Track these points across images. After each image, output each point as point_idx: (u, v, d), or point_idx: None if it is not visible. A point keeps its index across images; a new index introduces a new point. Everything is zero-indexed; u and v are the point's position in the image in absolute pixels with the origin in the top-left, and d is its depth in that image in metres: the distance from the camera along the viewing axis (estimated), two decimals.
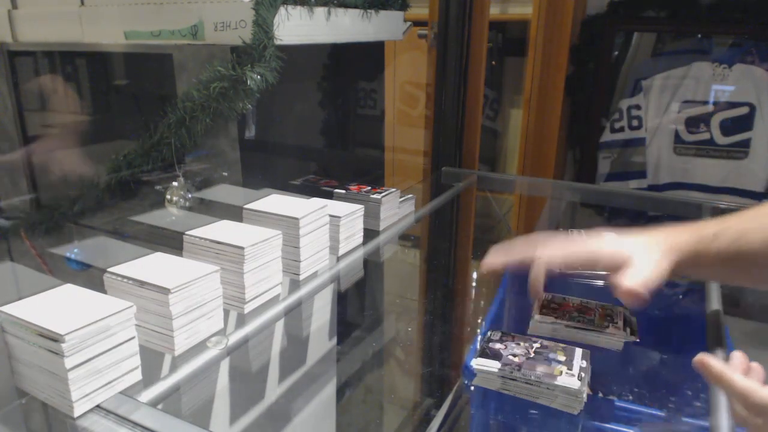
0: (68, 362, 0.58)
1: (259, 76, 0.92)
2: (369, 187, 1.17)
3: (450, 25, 1.54)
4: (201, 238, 0.82)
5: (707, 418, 0.66)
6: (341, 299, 1.25)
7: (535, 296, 0.69)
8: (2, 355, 0.63)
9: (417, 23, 1.52)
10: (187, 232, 0.84)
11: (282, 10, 0.96)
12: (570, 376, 0.85)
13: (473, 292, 1.78)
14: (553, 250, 0.73)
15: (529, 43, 1.90)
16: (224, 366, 0.87)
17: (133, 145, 1.05)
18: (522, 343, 0.94)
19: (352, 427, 1.40)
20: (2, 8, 1.20)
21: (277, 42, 0.95)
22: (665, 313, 1.19)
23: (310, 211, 0.92)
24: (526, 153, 1.98)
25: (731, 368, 0.60)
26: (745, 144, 1.81)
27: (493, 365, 0.88)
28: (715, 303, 0.88)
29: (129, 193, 1.09)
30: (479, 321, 1.53)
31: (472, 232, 1.73)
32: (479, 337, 0.98)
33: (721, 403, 0.65)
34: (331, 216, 0.99)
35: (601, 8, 1.89)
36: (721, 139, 1.84)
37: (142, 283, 0.70)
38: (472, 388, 0.91)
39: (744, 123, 1.80)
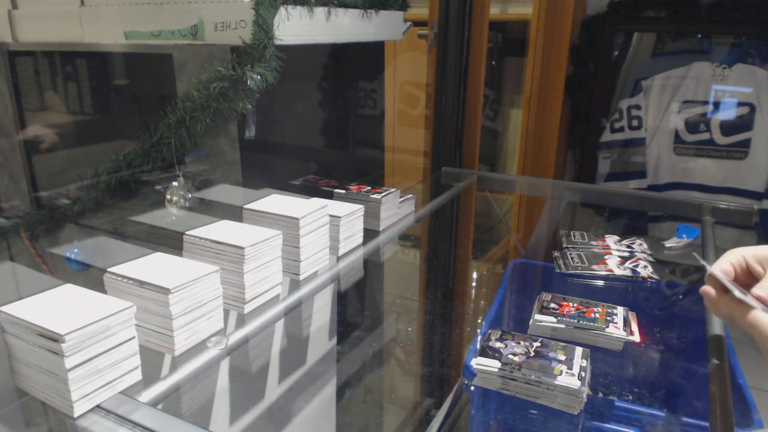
0: (68, 362, 0.58)
1: (259, 76, 0.92)
2: (369, 187, 1.17)
3: (450, 25, 1.54)
4: (201, 238, 0.82)
5: (707, 418, 0.66)
6: (341, 299, 1.25)
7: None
8: (2, 355, 0.63)
9: (417, 23, 1.51)
10: (187, 232, 0.84)
11: (282, 10, 0.96)
12: (570, 375, 0.85)
13: (473, 292, 1.78)
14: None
15: (529, 43, 1.90)
16: (224, 366, 0.87)
17: (133, 145, 1.05)
18: (522, 342, 0.94)
19: (352, 427, 1.40)
20: (2, 8, 1.20)
21: (277, 42, 0.95)
22: (665, 313, 1.19)
23: (310, 211, 0.92)
24: (526, 153, 1.98)
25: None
26: (745, 144, 1.81)
27: (493, 365, 0.88)
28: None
29: (129, 193, 1.09)
30: (479, 321, 1.53)
31: (472, 232, 1.73)
32: (479, 337, 0.98)
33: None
34: (331, 216, 0.98)
35: (601, 8, 1.89)
36: (721, 139, 1.84)
37: (142, 283, 0.70)
38: (472, 388, 0.91)
39: (744, 123, 1.80)
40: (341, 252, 1.02)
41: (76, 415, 0.60)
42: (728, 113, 1.82)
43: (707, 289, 0.65)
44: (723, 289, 0.63)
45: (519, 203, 2.03)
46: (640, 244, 1.34)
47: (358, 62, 1.44)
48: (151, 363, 0.69)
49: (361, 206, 1.06)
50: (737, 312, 0.60)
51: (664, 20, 1.82)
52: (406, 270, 1.73)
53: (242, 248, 0.79)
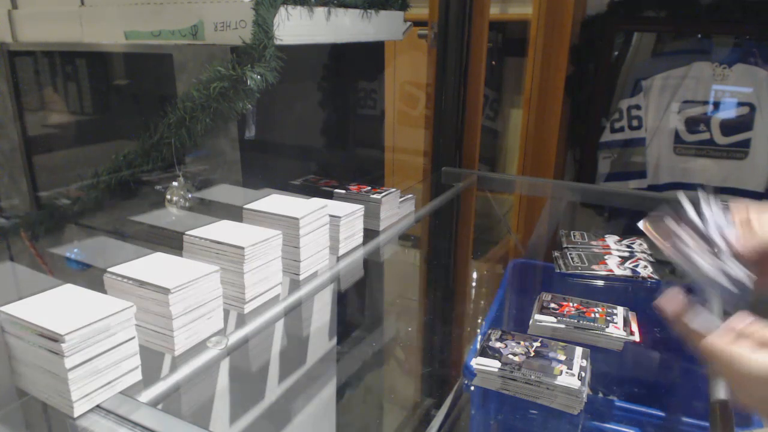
0: (68, 362, 0.58)
1: (259, 76, 0.92)
2: (369, 187, 1.17)
3: (450, 25, 1.54)
4: (201, 238, 0.82)
5: (707, 418, 0.66)
6: (341, 299, 1.25)
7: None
8: (2, 355, 0.63)
9: (417, 23, 1.51)
10: (187, 232, 0.84)
11: (282, 10, 0.96)
12: (570, 375, 0.85)
13: (473, 292, 1.78)
14: None
15: (529, 43, 1.90)
16: (224, 366, 0.87)
17: (133, 145, 1.05)
18: (522, 342, 0.94)
19: (352, 427, 1.40)
20: (2, 8, 1.20)
21: (277, 42, 0.95)
22: None
23: (310, 211, 0.92)
24: (526, 153, 1.98)
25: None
26: (745, 144, 1.81)
27: (494, 365, 0.88)
28: None
29: (129, 193, 1.09)
30: (479, 321, 1.53)
31: (472, 232, 1.73)
32: (479, 337, 0.98)
33: None
34: (331, 216, 0.98)
35: (601, 8, 1.89)
36: (721, 139, 1.84)
37: (142, 283, 0.70)
38: (472, 388, 0.91)
39: (744, 123, 1.80)
40: (341, 252, 1.02)
41: (76, 415, 0.60)
42: (728, 113, 1.82)
43: (665, 303, 0.56)
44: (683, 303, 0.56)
45: (519, 203, 2.03)
46: (640, 244, 1.34)
47: (358, 62, 1.44)
48: (151, 363, 0.69)
49: (361, 206, 1.06)
50: (693, 336, 0.55)
51: (664, 20, 1.82)
52: (406, 270, 1.73)
53: (242, 248, 0.79)
